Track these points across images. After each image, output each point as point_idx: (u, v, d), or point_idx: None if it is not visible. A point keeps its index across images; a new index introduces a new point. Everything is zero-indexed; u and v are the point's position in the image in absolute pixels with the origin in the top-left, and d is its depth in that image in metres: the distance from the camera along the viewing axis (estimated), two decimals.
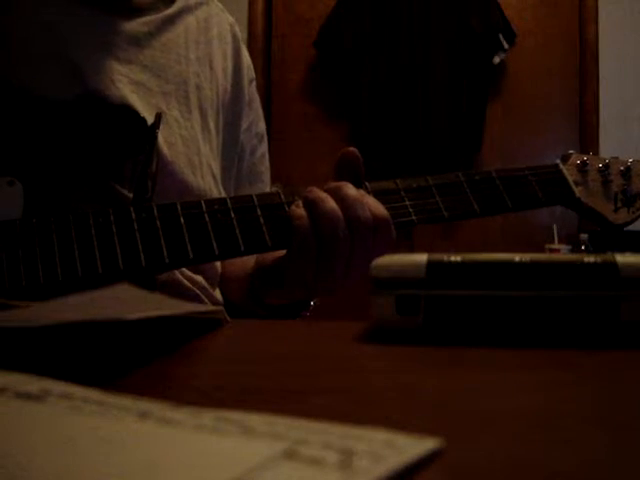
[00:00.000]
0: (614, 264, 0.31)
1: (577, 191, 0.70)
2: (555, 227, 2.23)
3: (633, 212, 0.72)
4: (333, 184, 0.61)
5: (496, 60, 2.54)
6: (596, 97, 2.53)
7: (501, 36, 2.52)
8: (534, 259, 0.32)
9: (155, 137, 0.65)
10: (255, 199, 0.60)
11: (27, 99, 0.62)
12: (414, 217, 0.63)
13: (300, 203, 0.59)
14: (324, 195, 0.59)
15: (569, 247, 2.20)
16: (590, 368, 0.28)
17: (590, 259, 0.31)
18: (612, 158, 0.74)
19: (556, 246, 2.18)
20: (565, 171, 0.70)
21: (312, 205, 0.59)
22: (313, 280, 0.59)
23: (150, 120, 0.65)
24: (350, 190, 0.60)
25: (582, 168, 0.71)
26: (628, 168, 0.73)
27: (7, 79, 0.64)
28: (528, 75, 2.60)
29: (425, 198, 0.64)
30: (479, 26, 2.50)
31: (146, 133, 0.64)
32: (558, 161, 0.72)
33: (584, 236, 2.23)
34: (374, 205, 0.60)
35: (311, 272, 0.59)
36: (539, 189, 0.68)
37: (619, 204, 0.72)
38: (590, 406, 0.22)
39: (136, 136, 0.64)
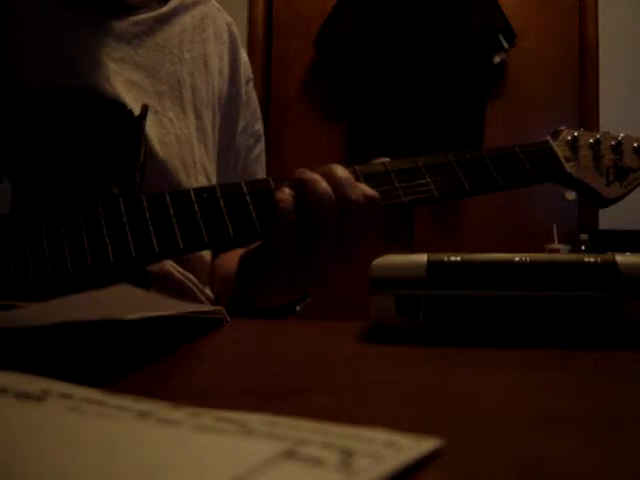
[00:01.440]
0: (614, 264, 0.31)
1: (568, 167, 0.69)
2: (555, 227, 2.23)
3: (625, 186, 0.72)
4: (323, 166, 0.60)
5: (496, 60, 2.54)
6: (596, 97, 2.53)
7: (501, 36, 2.52)
8: (534, 259, 0.32)
9: (142, 129, 0.65)
10: (244, 186, 0.60)
11: (17, 94, 0.62)
12: (404, 199, 0.62)
13: (285, 189, 0.59)
14: (316, 176, 0.59)
15: (569, 247, 2.20)
16: (590, 368, 0.28)
17: (590, 259, 0.31)
18: (603, 133, 0.74)
19: (556, 246, 2.17)
20: (555, 147, 0.70)
21: (304, 186, 0.58)
22: (298, 265, 0.59)
23: (137, 112, 0.65)
24: (341, 171, 0.59)
25: (573, 144, 0.71)
26: (619, 143, 0.73)
27: (1, 72, 0.64)
28: (528, 75, 2.60)
29: (415, 179, 0.63)
30: (479, 26, 2.50)
31: (133, 125, 0.64)
32: (548, 138, 0.72)
33: (584, 236, 2.23)
34: (364, 186, 0.60)
35: (295, 256, 0.58)
36: (530, 166, 0.67)
37: (611, 178, 0.71)
38: (589, 406, 0.22)
39: (123, 129, 0.64)
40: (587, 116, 2.53)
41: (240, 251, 0.71)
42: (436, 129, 2.51)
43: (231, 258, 0.74)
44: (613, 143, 0.73)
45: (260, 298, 0.67)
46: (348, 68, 2.60)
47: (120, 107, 0.65)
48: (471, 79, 2.54)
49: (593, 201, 0.73)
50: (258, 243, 0.63)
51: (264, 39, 2.70)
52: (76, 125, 0.63)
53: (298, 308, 0.70)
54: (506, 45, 2.53)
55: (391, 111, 2.53)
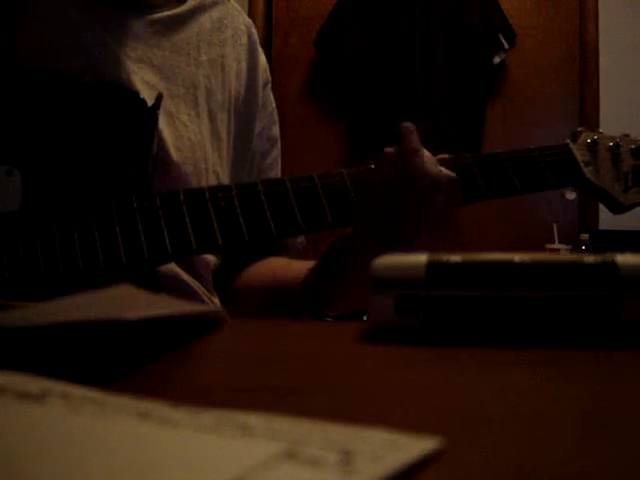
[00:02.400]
0: (614, 264, 0.31)
1: (587, 172, 0.68)
2: (555, 227, 2.23)
3: None
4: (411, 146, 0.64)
5: (496, 60, 2.54)
6: (596, 97, 2.53)
7: (501, 36, 2.52)
8: (534, 259, 0.32)
9: (156, 119, 0.64)
10: (260, 186, 0.59)
11: (29, 84, 0.62)
12: None
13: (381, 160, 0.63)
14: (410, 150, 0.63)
15: (569, 247, 2.20)
16: (590, 368, 0.28)
17: (590, 259, 0.31)
18: (623, 136, 0.72)
19: (556, 246, 2.17)
20: (575, 151, 0.69)
21: (400, 161, 0.62)
22: (388, 240, 0.60)
23: (150, 102, 0.64)
24: (427, 152, 0.63)
25: (592, 147, 0.70)
26: (639, 147, 0.71)
27: (21, 64, 0.63)
28: (528, 75, 2.60)
29: None
30: (479, 26, 2.50)
31: (146, 114, 0.63)
32: (568, 141, 0.70)
33: (584, 236, 2.23)
34: (444, 169, 0.63)
35: (381, 229, 0.60)
36: (549, 171, 0.66)
37: (629, 184, 0.70)
38: (590, 406, 0.22)
39: (137, 119, 0.63)
40: (587, 116, 2.52)
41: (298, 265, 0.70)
42: (436, 129, 2.50)
43: (282, 267, 0.74)
44: (633, 147, 0.71)
45: (340, 297, 0.66)
46: (348, 68, 2.60)
47: (133, 96, 0.64)
48: (471, 79, 2.54)
49: (609, 206, 0.71)
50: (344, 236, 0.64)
51: (264, 39, 2.70)
52: (88, 115, 0.62)
53: (365, 318, 0.69)
54: (506, 45, 2.53)
55: (391, 111, 2.53)
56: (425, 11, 2.55)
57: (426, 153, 0.63)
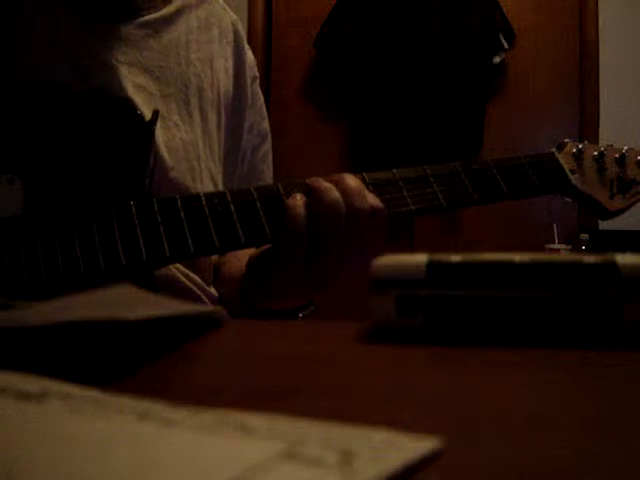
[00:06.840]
0: (614, 264, 0.31)
1: (573, 179, 0.71)
2: (555, 227, 2.23)
3: (628, 199, 0.74)
4: (334, 175, 0.62)
5: (496, 60, 2.54)
6: (596, 97, 2.53)
7: (501, 36, 2.52)
8: (534, 259, 0.32)
9: (152, 133, 0.65)
10: (254, 192, 0.61)
11: (29, 95, 0.62)
12: (412, 207, 0.63)
13: (297, 195, 0.60)
14: (328, 185, 0.60)
15: (569, 247, 2.20)
16: (590, 368, 0.28)
17: (590, 259, 0.31)
18: (607, 146, 0.75)
19: (556, 246, 2.17)
20: (561, 159, 0.71)
21: (315, 194, 0.59)
22: (303, 270, 0.60)
23: (148, 117, 0.65)
24: (351, 181, 0.60)
25: (578, 156, 0.73)
26: (623, 156, 0.74)
27: (12, 76, 0.64)
28: (528, 75, 2.60)
29: (423, 188, 0.65)
30: (479, 26, 2.50)
31: (143, 130, 0.64)
32: (554, 150, 0.73)
33: (584, 236, 2.23)
34: (372, 197, 0.61)
35: (302, 261, 0.59)
36: (536, 177, 0.69)
37: (615, 190, 0.73)
38: (590, 407, 0.22)
39: (134, 133, 0.64)
40: (587, 116, 2.52)
41: (248, 251, 0.71)
42: (436, 129, 2.51)
43: (238, 257, 0.75)
44: (617, 156, 0.74)
45: (265, 300, 0.67)
46: (348, 68, 2.60)
47: (131, 111, 0.65)
48: (471, 79, 2.54)
49: (596, 213, 0.74)
50: (267, 246, 0.63)
51: (264, 39, 2.70)
52: (87, 127, 0.63)
53: (301, 315, 0.70)
54: (506, 45, 2.53)
55: (391, 111, 2.53)
56: (425, 11, 2.55)
57: (349, 184, 0.60)
